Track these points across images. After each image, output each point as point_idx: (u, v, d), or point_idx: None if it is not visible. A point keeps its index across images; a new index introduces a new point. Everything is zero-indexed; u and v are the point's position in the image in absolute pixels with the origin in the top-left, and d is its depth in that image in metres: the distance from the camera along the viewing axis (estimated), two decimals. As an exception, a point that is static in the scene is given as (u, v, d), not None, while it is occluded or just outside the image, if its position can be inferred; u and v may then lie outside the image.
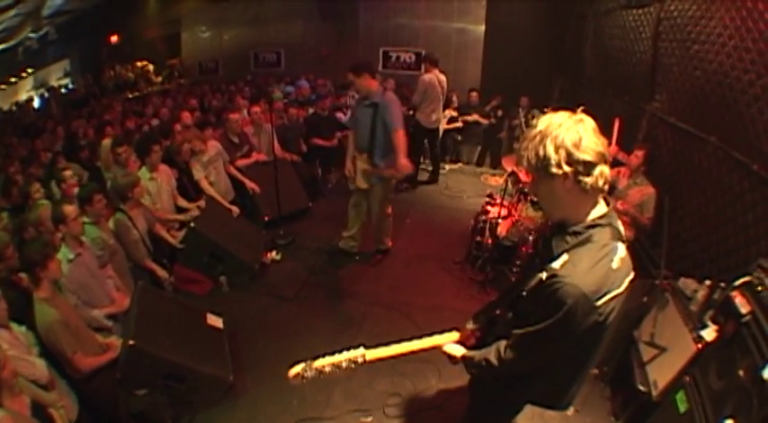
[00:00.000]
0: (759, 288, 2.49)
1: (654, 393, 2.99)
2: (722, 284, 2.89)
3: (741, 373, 2.34)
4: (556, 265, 1.65)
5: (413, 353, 2.12)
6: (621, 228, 1.74)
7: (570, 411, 3.40)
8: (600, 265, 1.59)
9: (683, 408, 2.67)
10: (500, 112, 9.49)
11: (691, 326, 2.92)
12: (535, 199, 5.12)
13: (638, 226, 4.43)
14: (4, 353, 2.51)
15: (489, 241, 5.25)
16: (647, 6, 5.44)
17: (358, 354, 1.98)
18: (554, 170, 1.56)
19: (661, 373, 3.01)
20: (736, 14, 3.73)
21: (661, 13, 5.05)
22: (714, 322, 2.77)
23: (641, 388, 3.10)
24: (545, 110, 1.73)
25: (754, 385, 2.20)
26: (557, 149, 1.55)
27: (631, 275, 1.70)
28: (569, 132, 1.55)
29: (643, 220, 4.37)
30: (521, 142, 1.70)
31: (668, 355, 3.07)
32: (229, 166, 6.11)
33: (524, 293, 1.82)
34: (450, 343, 2.16)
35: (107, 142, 5.63)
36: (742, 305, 2.51)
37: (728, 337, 2.57)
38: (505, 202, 5.44)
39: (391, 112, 4.70)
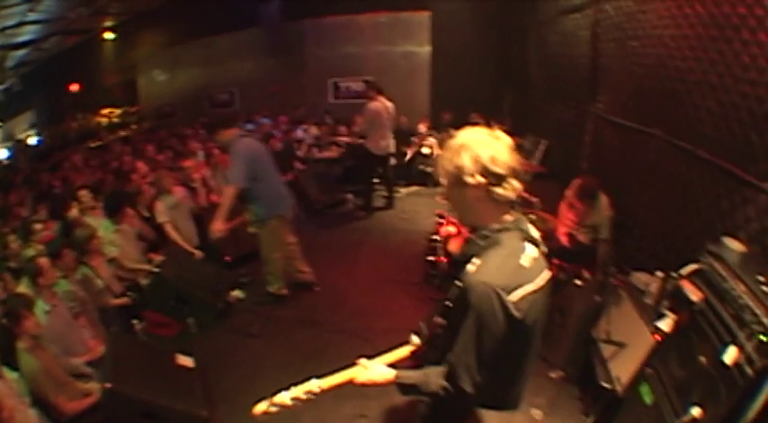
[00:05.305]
0: (708, 273, 2.46)
1: (618, 389, 2.95)
2: (674, 274, 2.84)
3: (702, 359, 2.26)
4: (470, 268, 1.77)
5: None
6: (533, 231, 1.86)
7: (539, 416, 3.34)
8: (508, 264, 1.72)
9: (648, 400, 2.59)
10: (452, 132, 9.44)
11: (647, 319, 2.92)
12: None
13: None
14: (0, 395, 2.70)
15: (444, 259, 5.21)
16: (584, 9, 5.53)
17: (313, 385, 2.04)
18: (468, 179, 1.70)
19: (623, 369, 2.99)
20: (671, 3, 3.75)
21: (597, 14, 5.14)
22: (671, 312, 2.71)
23: (605, 385, 3.07)
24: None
25: (716, 370, 2.12)
26: (473, 161, 1.68)
27: (548, 274, 1.84)
28: (486, 147, 1.69)
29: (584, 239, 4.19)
30: (442, 152, 1.85)
31: (628, 349, 3.07)
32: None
33: (449, 303, 1.91)
34: (376, 367, 2.20)
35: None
36: (692, 292, 2.48)
37: (685, 326, 2.53)
38: (455, 220, 5.36)
39: (230, 164, 4.65)
